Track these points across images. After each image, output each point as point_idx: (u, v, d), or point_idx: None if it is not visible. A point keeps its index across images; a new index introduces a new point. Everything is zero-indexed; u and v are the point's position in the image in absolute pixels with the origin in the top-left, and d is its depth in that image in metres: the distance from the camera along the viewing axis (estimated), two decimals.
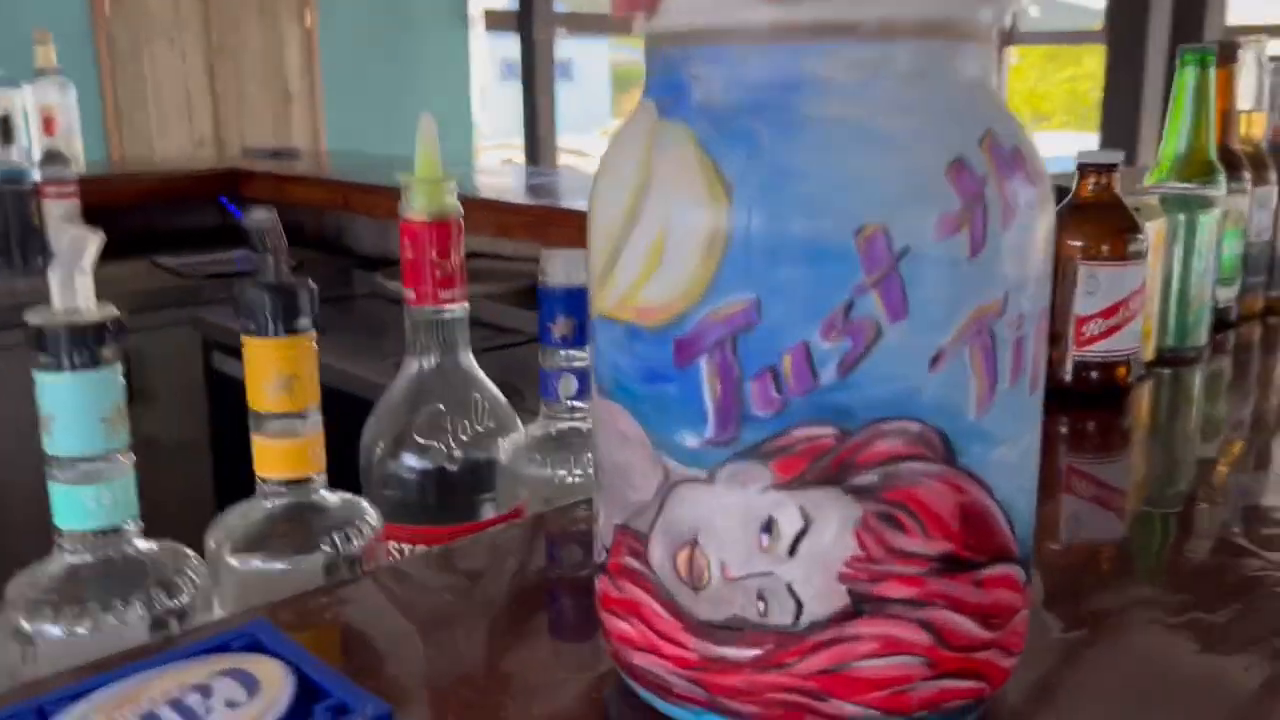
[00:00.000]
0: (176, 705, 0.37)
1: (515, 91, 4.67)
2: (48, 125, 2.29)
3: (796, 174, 0.32)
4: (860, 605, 0.34)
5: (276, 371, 0.50)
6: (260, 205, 0.50)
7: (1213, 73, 0.87)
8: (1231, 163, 0.91)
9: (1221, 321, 0.95)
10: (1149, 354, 0.84)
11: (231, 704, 0.37)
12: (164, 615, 0.47)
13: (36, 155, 2.19)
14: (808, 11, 0.32)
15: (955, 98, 0.34)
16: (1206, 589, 0.49)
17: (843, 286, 0.32)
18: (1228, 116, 0.92)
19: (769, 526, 0.33)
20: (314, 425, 0.52)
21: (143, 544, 0.48)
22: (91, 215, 2.11)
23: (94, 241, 0.45)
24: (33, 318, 0.44)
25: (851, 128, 0.32)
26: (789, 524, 0.33)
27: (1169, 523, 0.58)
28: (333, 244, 2.56)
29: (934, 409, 0.33)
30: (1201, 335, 0.87)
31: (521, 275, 2.01)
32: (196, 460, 2.13)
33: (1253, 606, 0.47)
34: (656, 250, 0.34)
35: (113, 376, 0.45)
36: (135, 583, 0.47)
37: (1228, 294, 0.95)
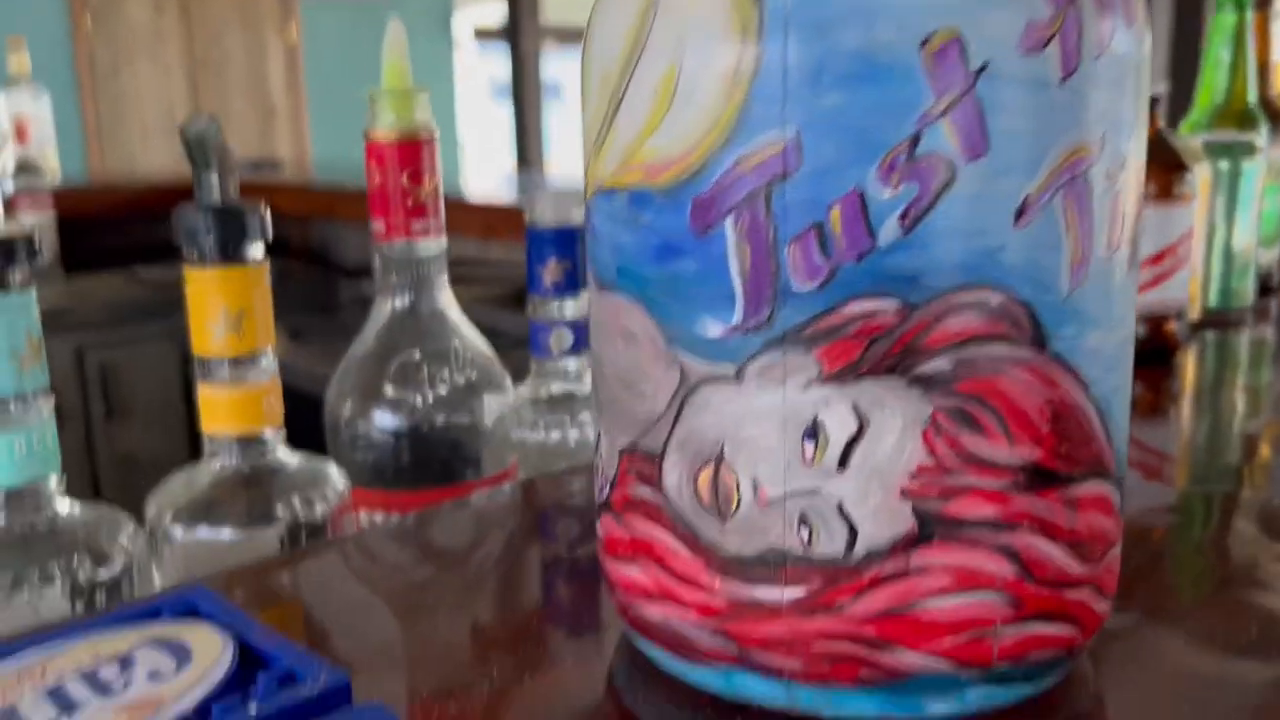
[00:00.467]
0: (89, 679, 0.30)
1: (504, 113, 4.63)
2: (20, 134, 2.22)
3: None
4: (929, 528, 0.27)
5: (223, 306, 0.43)
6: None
7: (1250, 15, 0.81)
8: (1271, 114, 0.85)
9: (1264, 286, 0.88)
10: (1194, 315, 0.77)
11: (155, 675, 0.30)
12: (89, 588, 0.40)
13: (9, 164, 2.13)
14: None
15: None
16: (1254, 579, 0.42)
17: (907, 115, 0.25)
18: (1265, 66, 0.86)
19: (814, 432, 0.27)
20: (268, 372, 0.45)
21: (66, 506, 0.41)
22: (68, 227, 2.05)
23: None
24: None
25: None
26: (839, 427, 0.26)
27: (1217, 502, 0.52)
28: (318, 256, 2.51)
29: (1019, 276, 0.26)
30: (1248, 295, 0.81)
31: (509, 280, 1.95)
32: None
33: None
34: (667, 86, 0.27)
35: (25, 303, 0.39)
36: (57, 550, 0.40)
37: (1269, 256, 0.88)
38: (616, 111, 0.28)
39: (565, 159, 5.19)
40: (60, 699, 0.29)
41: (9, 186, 1.99)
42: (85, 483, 1.94)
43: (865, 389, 0.26)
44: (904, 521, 0.27)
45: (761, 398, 0.27)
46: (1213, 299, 0.80)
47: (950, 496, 0.27)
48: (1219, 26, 0.81)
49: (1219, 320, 0.81)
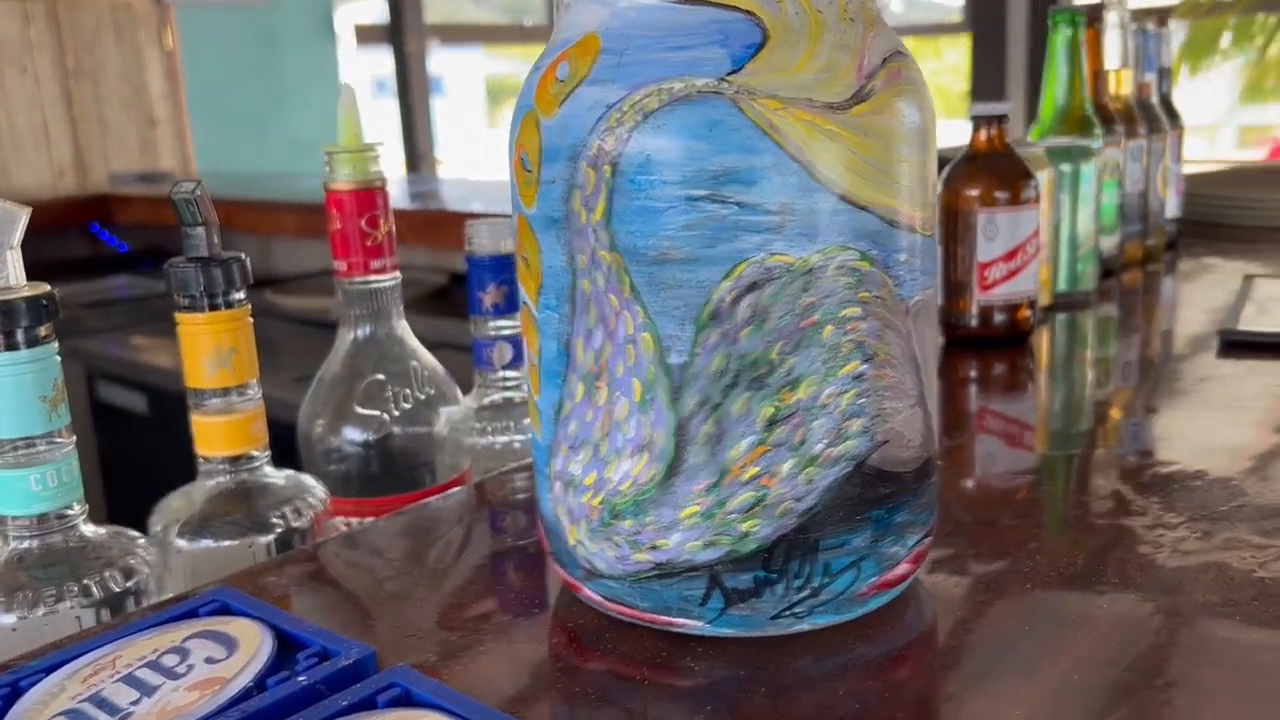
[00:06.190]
0: (154, 666, 0.37)
1: (388, 108, 4.62)
2: None
3: None
4: None
5: (214, 346, 0.49)
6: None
7: (1083, 32, 0.92)
8: (1105, 117, 0.97)
9: (1106, 270, 1.00)
10: (1045, 299, 0.88)
11: (211, 660, 0.37)
12: (121, 596, 0.46)
13: None
14: None
15: None
16: (1098, 529, 0.52)
17: None
18: (1098, 74, 0.98)
19: None
20: (255, 400, 0.51)
21: (89, 528, 0.47)
22: None
23: (22, 216, 0.43)
24: None
25: None
26: None
27: (1072, 462, 0.61)
28: None
29: None
30: (1091, 279, 0.92)
31: (415, 284, 1.99)
32: (88, 498, 2.04)
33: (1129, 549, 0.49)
34: None
35: (50, 354, 0.44)
36: (89, 566, 0.45)
37: (1110, 243, 1.00)
38: None
39: (453, 156, 5.19)
40: (136, 684, 0.36)
41: None
42: None
43: None
44: None
45: None
46: (1062, 284, 0.91)
47: None
48: (1055, 43, 0.92)
49: (1068, 303, 0.92)
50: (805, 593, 0.38)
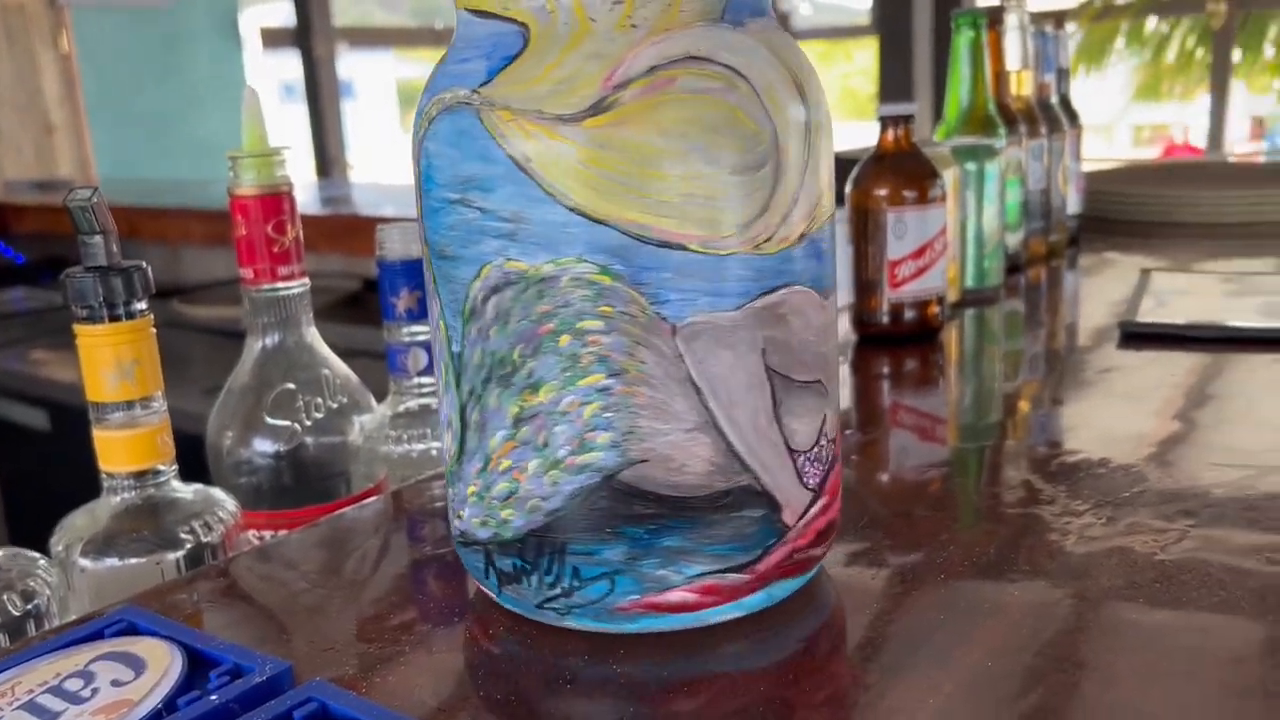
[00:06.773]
0: (57, 691, 0.35)
1: (296, 114, 4.53)
2: None
3: None
4: None
5: (116, 359, 0.48)
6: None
7: (985, 34, 0.94)
8: (1007, 117, 0.99)
9: (1011, 266, 1.02)
10: (954, 296, 0.90)
11: (118, 683, 0.36)
12: (20, 620, 0.44)
13: None
14: None
15: None
16: (1009, 519, 0.53)
17: None
18: (999, 75, 1.00)
19: None
20: (160, 413, 0.50)
21: None
22: None
23: None
24: None
25: None
26: None
27: (983, 454, 0.63)
28: None
29: None
30: (997, 275, 0.94)
31: (328, 291, 1.96)
32: None
33: (1038, 537, 0.51)
34: None
35: None
36: None
37: (1014, 239, 1.03)
38: None
39: (364, 160, 5.12)
40: (38, 711, 0.35)
41: None
42: None
43: None
44: None
45: None
46: (969, 280, 0.93)
47: None
48: (958, 45, 0.94)
49: (976, 299, 0.94)
50: (557, 591, 0.39)
